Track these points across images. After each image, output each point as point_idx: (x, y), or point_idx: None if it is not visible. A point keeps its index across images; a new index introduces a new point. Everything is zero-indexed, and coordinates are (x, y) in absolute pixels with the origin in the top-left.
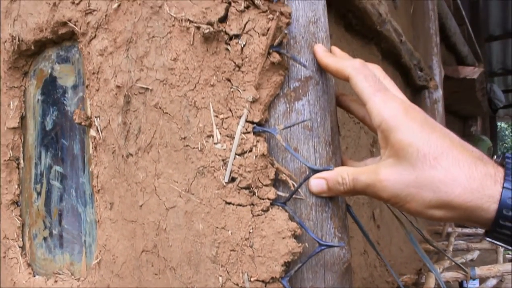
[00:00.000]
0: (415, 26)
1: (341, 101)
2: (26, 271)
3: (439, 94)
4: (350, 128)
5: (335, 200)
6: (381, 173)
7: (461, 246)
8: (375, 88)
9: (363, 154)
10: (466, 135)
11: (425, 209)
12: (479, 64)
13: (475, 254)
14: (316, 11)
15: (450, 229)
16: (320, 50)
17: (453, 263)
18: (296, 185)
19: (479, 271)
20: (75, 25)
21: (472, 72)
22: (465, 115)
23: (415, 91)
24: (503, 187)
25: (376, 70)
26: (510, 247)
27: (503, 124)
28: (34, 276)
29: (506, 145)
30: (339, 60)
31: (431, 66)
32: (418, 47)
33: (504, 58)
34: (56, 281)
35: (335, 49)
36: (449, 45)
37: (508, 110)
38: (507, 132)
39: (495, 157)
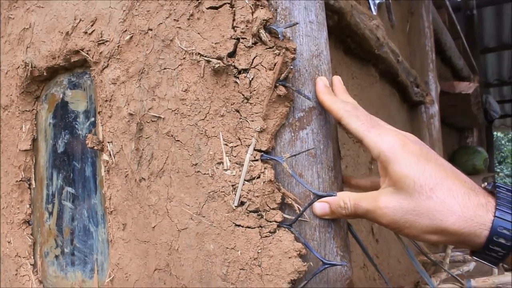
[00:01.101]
0: (411, 43)
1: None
2: None
3: (435, 109)
4: (349, 148)
5: (337, 221)
6: (381, 201)
7: (458, 258)
8: (369, 124)
9: (362, 171)
10: (462, 147)
11: (422, 234)
12: (474, 76)
13: (471, 266)
14: (318, 45)
15: None
16: (320, 85)
17: (450, 275)
18: (301, 209)
19: (475, 283)
20: (87, 54)
21: (467, 87)
22: (461, 127)
23: (411, 106)
24: (495, 216)
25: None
26: (494, 266)
27: (499, 134)
28: None
29: (503, 154)
30: (334, 100)
31: (427, 82)
32: (415, 64)
33: (499, 69)
34: None
35: (335, 81)
36: (445, 59)
37: (504, 120)
38: (503, 142)
39: (485, 184)
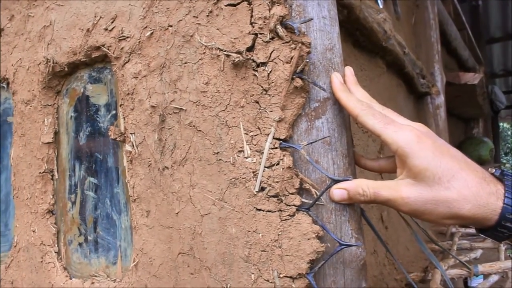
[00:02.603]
0: (417, 35)
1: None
2: (63, 274)
3: (441, 99)
4: (359, 138)
5: (352, 205)
6: (402, 191)
7: (465, 246)
8: (385, 122)
9: None
10: (468, 137)
11: (440, 219)
12: (480, 67)
13: (478, 253)
14: (331, 39)
15: (454, 229)
16: (336, 82)
17: (457, 261)
18: (318, 193)
19: (482, 268)
20: (108, 49)
21: (472, 78)
22: (467, 117)
23: (418, 97)
24: (504, 204)
25: (376, 106)
26: (499, 242)
27: (505, 125)
28: (71, 279)
29: (509, 145)
30: (350, 98)
31: (433, 73)
32: (420, 55)
33: (505, 59)
34: (93, 283)
35: (347, 72)
36: (450, 50)
37: (510, 111)
38: (509, 132)
39: (493, 170)
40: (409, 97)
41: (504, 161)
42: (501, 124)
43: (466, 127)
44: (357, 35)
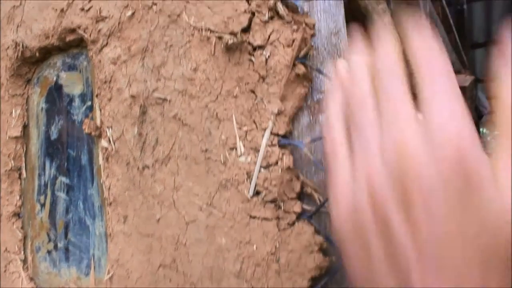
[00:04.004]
0: None
1: None
2: (28, 286)
3: None
4: None
5: None
6: None
7: None
8: None
9: None
10: None
11: None
12: (465, 71)
13: None
14: (337, 22)
15: None
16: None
17: None
18: (322, 199)
19: None
20: (84, 32)
21: (463, 79)
22: None
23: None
24: None
25: None
26: None
27: (484, 130)
28: None
29: (489, 152)
30: None
31: None
32: None
33: (488, 65)
34: None
35: None
36: None
37: (490, 117)
38: (488, 138)
39: None
40: None
41: None
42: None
43: None
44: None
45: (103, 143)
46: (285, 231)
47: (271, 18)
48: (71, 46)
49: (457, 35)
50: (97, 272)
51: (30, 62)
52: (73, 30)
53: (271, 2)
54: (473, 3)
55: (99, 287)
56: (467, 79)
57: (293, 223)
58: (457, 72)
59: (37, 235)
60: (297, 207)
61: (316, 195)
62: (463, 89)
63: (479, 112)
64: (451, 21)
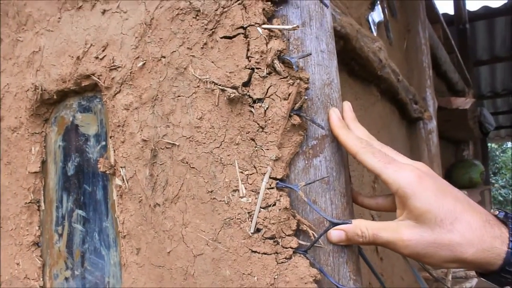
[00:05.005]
0: (409, 60)
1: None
2: None
3: (433, 124)
4: (354, 169)
5: (350, 246)
6: (403, 233)
7: (460, 274)
8: (385, 161)
9: (366, 190)
10: (459, 160)
11: (442, 263)
12: (469, 89)
13: (474, 282)
14: (330, 73)
15: None
16: (334, 118)
17: None
18: (316, 235)
19: None
20: (98, 78)
21: (464, 102)
22: (458, 140)
23: (410, 122)
24: (509, 248)
25: (375, 144)
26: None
27: (493, 145)
28: None
29: (497, 165)
30: (349, 136)
31: (425, 98)
32: (412, 80)
33: (493, 81)
34: None
35: (346, 108)
36: (440, 73)
37: (498, 131)
38: (497, 153)
39: (497, 212)
40: (401, 122)
41: (493, 181)
42: (489, 144)
43: (457, 150)
44: (352, 65)
45: (117, 181)
46: (282, 264)
47: (269, 73)
48: (86, 90)
49: (459, 55)
50: None
51: (48, 103)
52: (88, 76)
53: (269, 59)
54: (475, 22)
55: None
56: (468, 102)
57: (290, 257)
58: (461, 91)
59: (55, 263)
60: (293, 242)
61: (310, 232)
62: (463, 111)
63: (485, 129)
64: (453, 41)
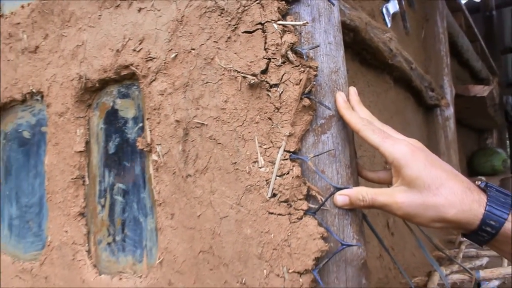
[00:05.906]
0: (427, 49)
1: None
2: (92, 271)
3: (450, 111)
4: (366, 149)
5: (354, 210)
6: (397, 197)
7: (471, 253)
8: (383, 136)
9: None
10: (481, 148)
11: (429, 222)
12: (494, 78)
13: (484, 261)
14: (336, 62)
15: (461, 238)
16: (340, 100)
17: (461, 267)
18: (323, 199)
19: (483, 273)
20: (136, 68)
21: (481, 90)
22: (480, 128)
23: (427, 109)
24: (485, 210)
25: (376, 122)
26: (480, 246)
27: None
28: (100, 275)
29: None
30: (352, 115)
31: (442, 86)
32: (430, 68)
33: None
34: (120, 279)
35: (351, 92)
36: (462, 61)
37: None
38: None
39: (479, 182)
40: (418, 109)
41: None
42: None
43: (480, 138)
44: (363, 54)
45: (154, 156)
46: (295, 223)
47: (283, 63)
48: (124, 78)
49: (485, 43)
50: (149, 259)
51: (91, 90)
52: (127, 67)
53: (283, 51)
54: (502, 9)
55: (151, 270)
56: (485, 89)
57: (301, 218)
58: (484, 80)
59: (99, 231)
60: (304, 205)
61: (319, 197)
62: (482, 98)
63: (510, 118)
64: (476, 29)
